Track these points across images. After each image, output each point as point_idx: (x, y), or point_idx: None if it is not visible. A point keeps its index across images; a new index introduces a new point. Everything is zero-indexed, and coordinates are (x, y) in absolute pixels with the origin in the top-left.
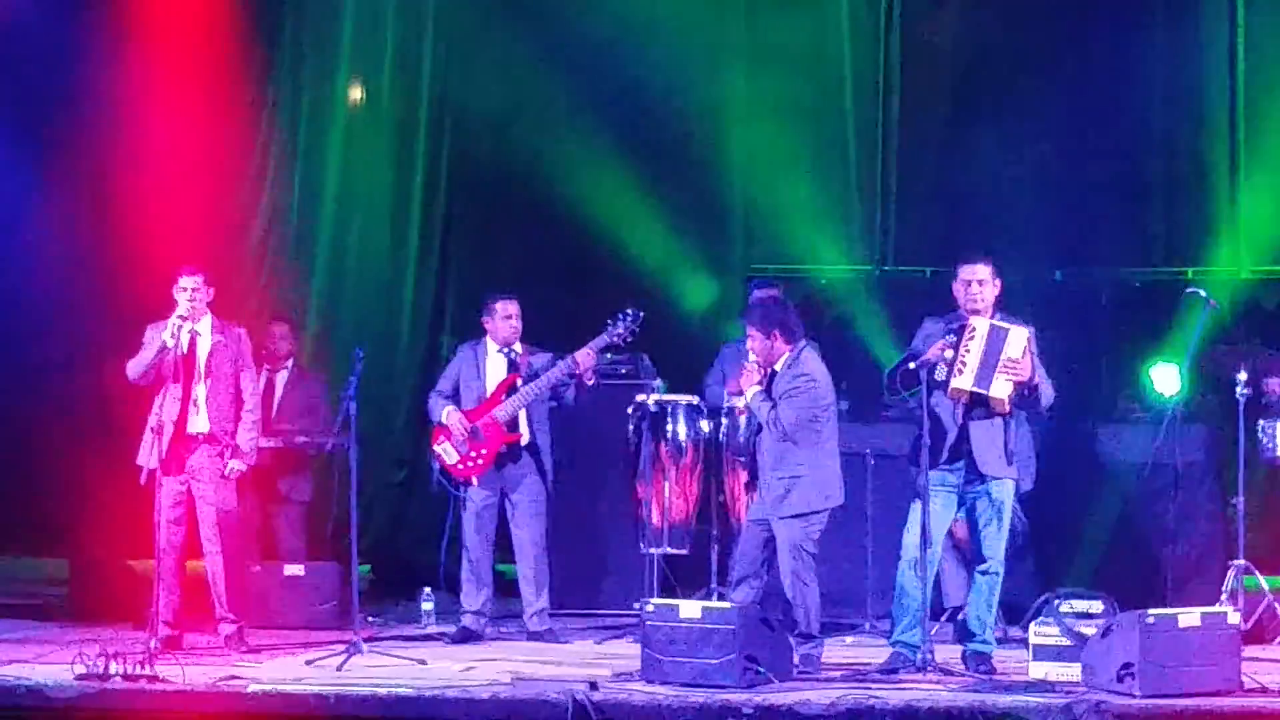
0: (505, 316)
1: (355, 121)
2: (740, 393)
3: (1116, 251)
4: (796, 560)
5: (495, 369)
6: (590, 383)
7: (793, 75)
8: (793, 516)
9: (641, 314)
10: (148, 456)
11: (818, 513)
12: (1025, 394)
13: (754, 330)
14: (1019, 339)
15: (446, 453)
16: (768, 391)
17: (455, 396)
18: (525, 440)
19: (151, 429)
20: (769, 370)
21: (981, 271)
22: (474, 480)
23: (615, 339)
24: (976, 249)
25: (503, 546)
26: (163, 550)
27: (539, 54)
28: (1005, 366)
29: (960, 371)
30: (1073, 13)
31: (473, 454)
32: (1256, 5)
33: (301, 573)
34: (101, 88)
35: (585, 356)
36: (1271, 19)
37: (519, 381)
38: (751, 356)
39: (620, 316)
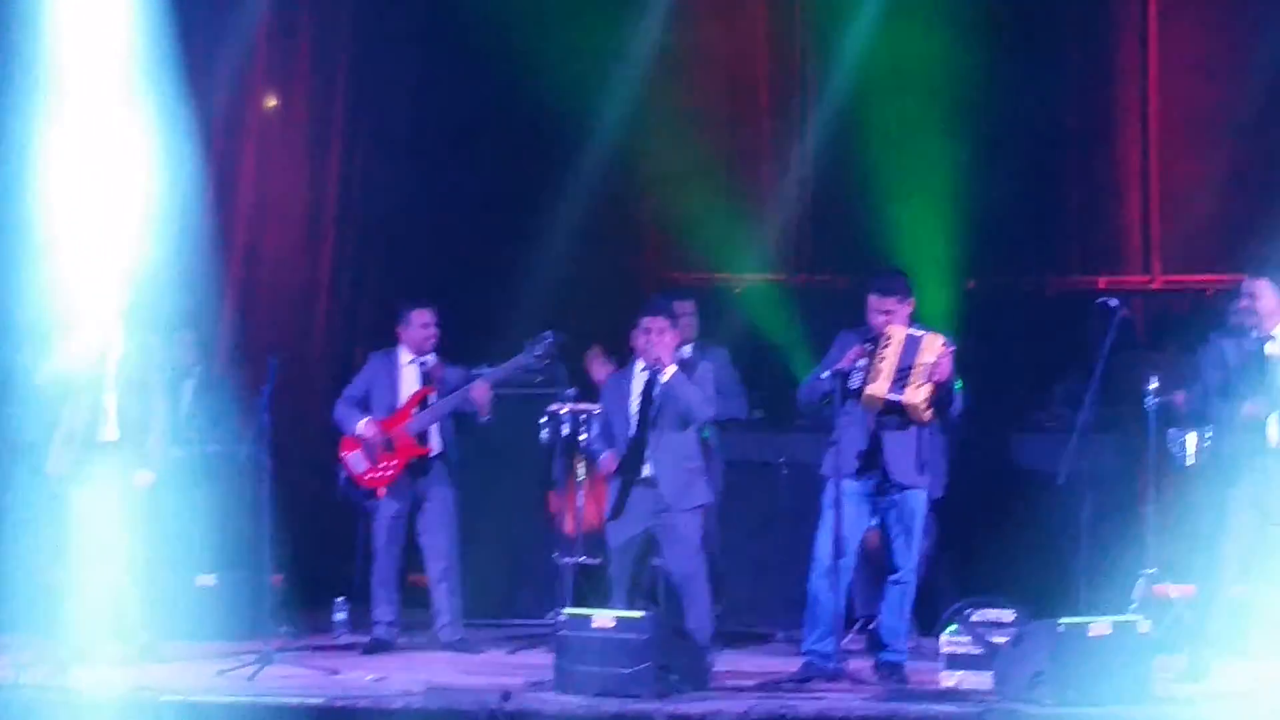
0: (422, 325)
1: (269, 130)
2: None
3: (1029, 261)
4: (696, 560)
5: (408, 380)
6: (484, 418)
7: (708, 81)
8: (696, 508)
9: (559, 337)
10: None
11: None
12: (941, 396)
13: (665, 320)
14: (933, 343)
15: (355, 462)
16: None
17: (365, 405)
18: (435, 452)
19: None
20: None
21: (889, 304)
22: (381, 491)
23: (531, 361)
24: (886, 272)
25: (413, 556)
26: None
27: (453, 65)
28: (920, 370)
29: (875, 379)
30: (985, 26)
31: (382, 464)
32: (1168, 19)
33: (213, 583)
34: None
35: (481, 390)
36: (1179, 32)
37: (431, 396)
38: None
39: (537, 340)
